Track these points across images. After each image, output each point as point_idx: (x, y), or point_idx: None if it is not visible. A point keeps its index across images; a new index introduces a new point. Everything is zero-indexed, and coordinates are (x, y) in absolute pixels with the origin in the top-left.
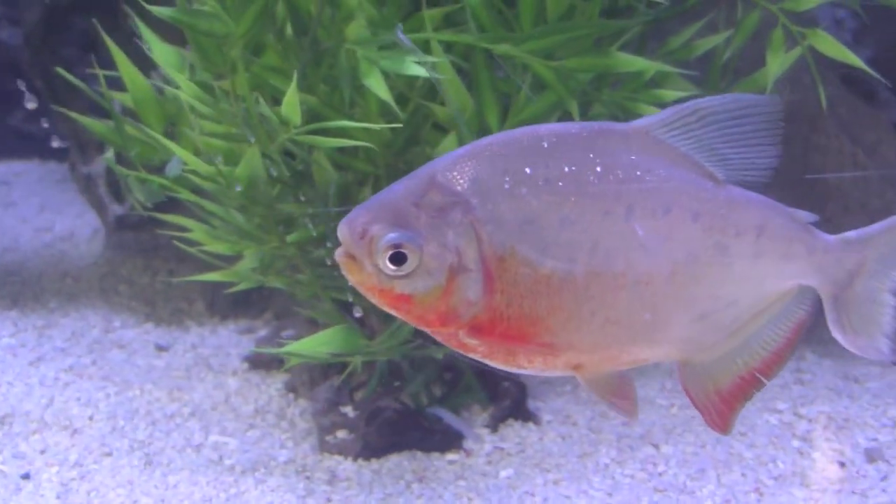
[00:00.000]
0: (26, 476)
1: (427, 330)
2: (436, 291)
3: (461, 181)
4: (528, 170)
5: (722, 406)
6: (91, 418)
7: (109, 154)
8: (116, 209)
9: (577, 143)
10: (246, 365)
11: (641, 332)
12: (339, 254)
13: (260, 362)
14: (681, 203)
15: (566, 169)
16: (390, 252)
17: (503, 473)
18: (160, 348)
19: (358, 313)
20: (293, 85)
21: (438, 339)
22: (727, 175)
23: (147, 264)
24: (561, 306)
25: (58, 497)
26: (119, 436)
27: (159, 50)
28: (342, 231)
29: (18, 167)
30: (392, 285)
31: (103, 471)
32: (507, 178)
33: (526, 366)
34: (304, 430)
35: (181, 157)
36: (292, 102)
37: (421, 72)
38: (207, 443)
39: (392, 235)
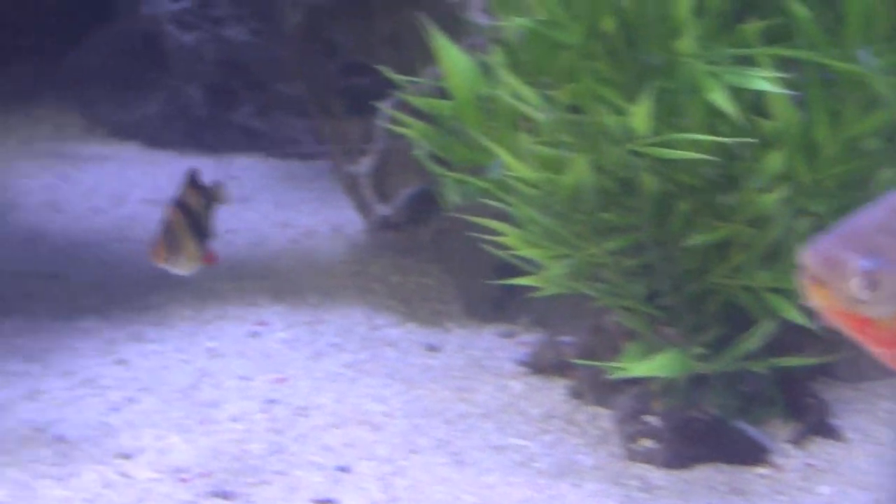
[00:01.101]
0: (343, 469)
1: (882, 352)
2: None
3: None
4: None
5: None
6: (387, 415)
7: (422, 152)
8: (381, 209)
9: None
10: (523, 368)
11: None
12: (804, 278)
13: (538, 366)
14: None
15: None
16: (859, 278)
17: (821, 490)
18: (431, 348)
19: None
20: (645, 97)
21: (891, 362)
22: None
23: (396, 263)
24: None
25: (381, 490)
26: (420, 433)
27: (453, 56)
28: (811, 257)
29: (244, 162)
30: (858, 309)
31: (415, 467)
32: None
33: None
34: (597, 436)
35: (505, 161)
36: (643, 114)
37: (767, 87)
38: (507, 445)
39: (862, 262)
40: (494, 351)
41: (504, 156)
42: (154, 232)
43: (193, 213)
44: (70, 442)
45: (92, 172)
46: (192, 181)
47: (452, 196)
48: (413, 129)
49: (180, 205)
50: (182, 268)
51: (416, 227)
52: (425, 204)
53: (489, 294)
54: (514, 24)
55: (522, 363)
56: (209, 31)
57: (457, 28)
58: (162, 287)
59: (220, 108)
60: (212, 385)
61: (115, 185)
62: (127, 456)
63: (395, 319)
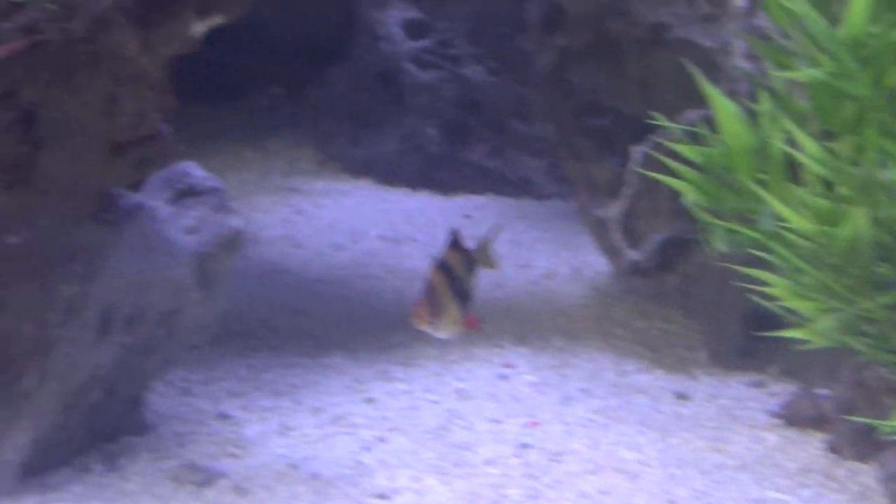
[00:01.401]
0: None
1: None
2: None
3: None
4: None
5: None
6: (642, 463)
7: (689, 201)
8: (632, 254)
9: None
10: (777, 420)
11: None
12: None
13: (792, 419)
14: None
15: None
16: None
17: None
18: (681, 396)
19: None
20: None
21: None
22: None
23: (639, 308)
24: None
25: None
26: (676, 484)
27: (722, 103)
28: None
29: (478, 201)
30: None
31: None
32: None
33: None
34: (858, 492)
35: (779, 212)
36: None
37: None
38: (766, 498)
39: None
40: (745, 401)
41: (778, 206)
42: (416, 293)
43: (455, 275)
44: (325, 479)
45: (328, 208)
46: (455, 242)
47: (719, 244)
48: (681, 177)
49: (443, 266)
50: (443, 331)
51: (663, 273)
52: (674, 250)
53: (735, 342)
54: (804, 75)
55: (775, 414)
56: (447, 69)
57: (712, 73)
58: (405, 326)
59: (455, 146)
60: (463, 427)
61: (352, 222)
62: (384, 496)
63: (642, 365)
